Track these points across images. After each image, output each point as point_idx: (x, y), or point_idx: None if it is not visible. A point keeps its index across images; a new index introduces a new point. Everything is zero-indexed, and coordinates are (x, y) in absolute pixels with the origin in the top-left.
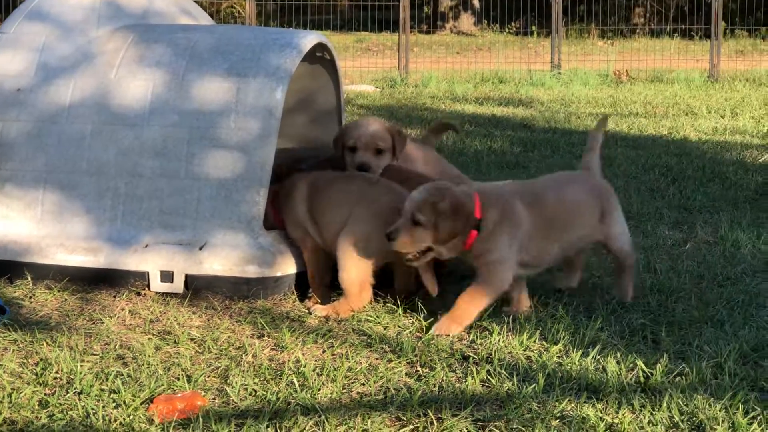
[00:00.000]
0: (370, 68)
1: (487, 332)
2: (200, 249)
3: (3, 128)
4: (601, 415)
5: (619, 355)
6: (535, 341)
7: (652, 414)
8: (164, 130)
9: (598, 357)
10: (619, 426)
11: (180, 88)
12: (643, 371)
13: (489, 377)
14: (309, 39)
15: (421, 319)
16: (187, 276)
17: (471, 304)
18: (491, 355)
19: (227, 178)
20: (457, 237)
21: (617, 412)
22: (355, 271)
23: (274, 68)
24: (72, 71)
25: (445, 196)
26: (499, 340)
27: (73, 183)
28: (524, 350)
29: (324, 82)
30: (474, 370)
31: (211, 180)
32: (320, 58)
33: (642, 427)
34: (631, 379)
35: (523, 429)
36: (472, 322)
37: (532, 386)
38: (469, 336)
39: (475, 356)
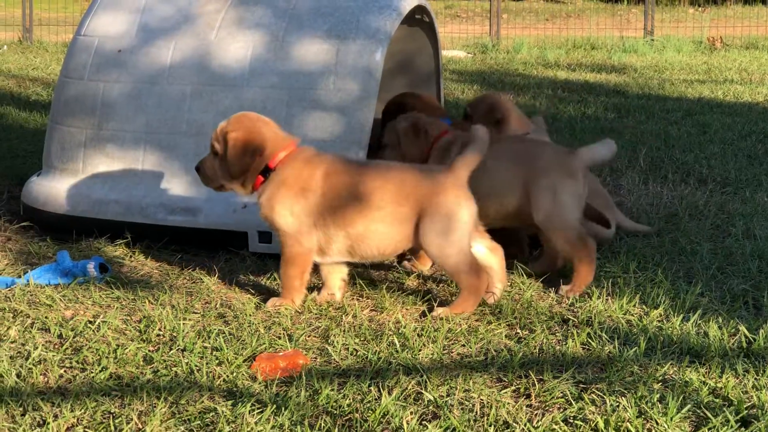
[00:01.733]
0: (460, 34)
1: (586, 296)
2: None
3: (104, 89)
4: (704, 379)
5: (720, 320)
6: (635, 305)
7: (756, 379)
8: (263, 91)
9: (699, 322)
10: (723, 390)
11: (279, 49)
12: (746, 336)
13: (589, 340)
14: (409, 1)
15: (519, 282)
16: None
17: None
18: (591, 318)
19: (326, 140)
20: (244, 174)
21: (720, 377)
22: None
23: (374, 30)
24: (172, 32)
25: (241, 128)
26: (598, 304)
27: (172, 144)
28: (624, 314)
29: (422, 45)
30: (574, 332)
31: (310, 141)
32: (419, 20)
33: (746, 392)
34: (733, 344)
35: (625, 392)
36: (296, 291)
37: (633, 350)
38: (568, 299)
39: (574, 319)
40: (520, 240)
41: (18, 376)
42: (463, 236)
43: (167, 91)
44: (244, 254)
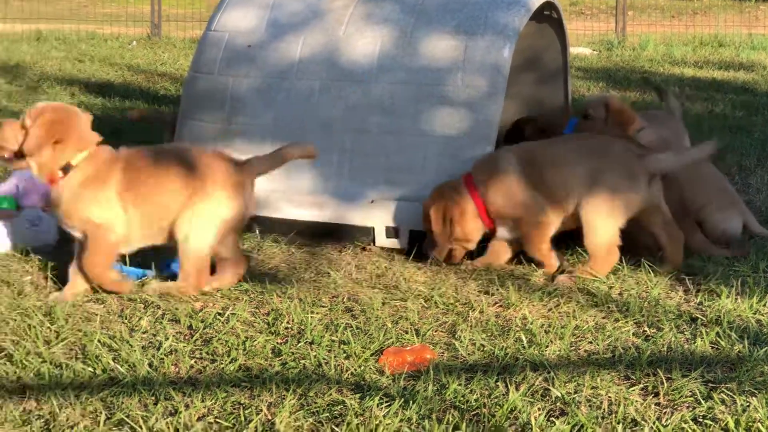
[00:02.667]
0: (585, 31)
1: (714, 295)
2: None
3: (234, 84)
4: None
5: None
6: (765, 305)
7: None
8: (392, 87)
9: None
10: None
11: (408, 45)
12: None
13: (718, 339)
14: None
15: (647, 280)
16: (411, 232)
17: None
18: (720, 317)
19: (453, 136)
20: (38, 152)
21: None
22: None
23: (502, 26)
24: (301, 28)
25: (50, 109)
26: (727, 303)
27: (300, 138)
28: (754, 314)
29: (550, 41)
30: (703, 331)
31: (438, 137)
32: (547, 17)
33: None
34: None
35: (756, 391)
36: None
37: (764, 349)
38: (696, 298)
39: (703, 318)
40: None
41: (150, 365)
42: (212, 232)
43: (296, 86)
44: (370, 248)
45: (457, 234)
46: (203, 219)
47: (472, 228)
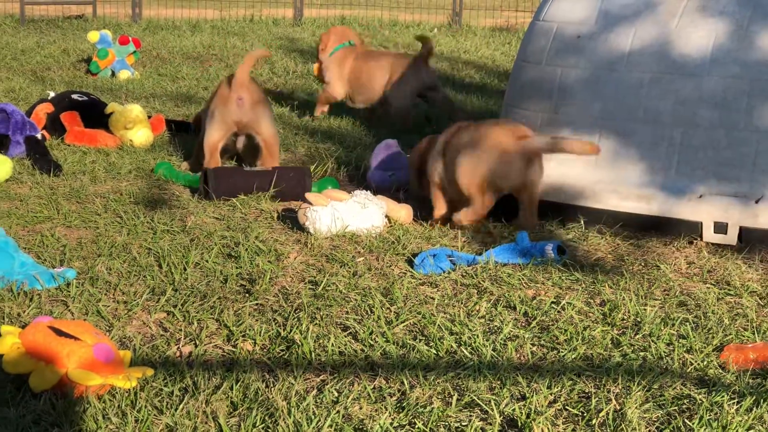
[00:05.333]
0: None
1: None
2: (756, 202)
3: (561, 74)
4: None
5: None
6: None
7: None
8: (724, 81)
9: None
10: None
11: (743, 38)
12: None
13: None
14: None
15: None
16: (741, 228)
17: None
18: None
19: None
20: None
21: None
22: None
23: None
24: (632, 20)
25: None
26: None
27: (628, 131)
28: None
29: None
30: None
31: None
32: None
33: None
34: None
35: None
36: None
37: None
38: None
39: None
40: None
41: (493, 350)
42: None
43: (625, 78)
44: (698, 243)
45: None
46: None
47: None
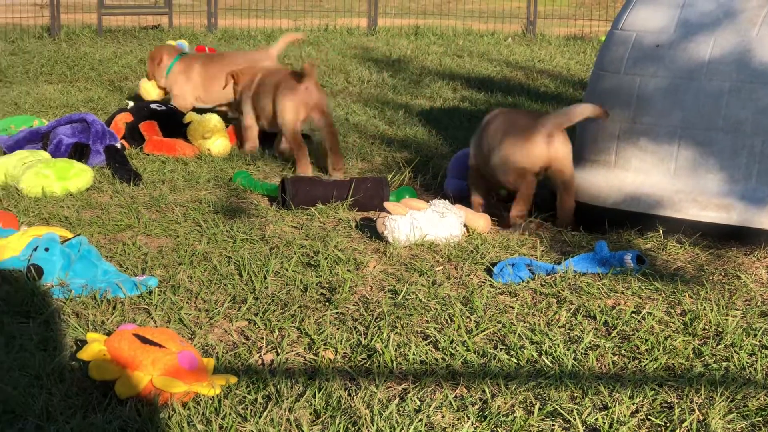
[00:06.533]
0: None
1: None
2: None
3: (640, 83)
4: None
5: None
6: None
7: None
8: None
9: None
10: None
11: None
12: None
13: None
14: None
15: None
16: None
17: None
18: None
19: None
20: None
21: None
22: None
23: None
24: (712, 28)
25: None
26: None
27: (708, 140)
28: None
29: None
30: None
31: None
32: None
33: None
34: None
35: None
36: None
37: None
38: None
39: None
40: None
41: (574, 359)
42: None
43: (704, 86)
44: None
45: None
46: None
47: None
